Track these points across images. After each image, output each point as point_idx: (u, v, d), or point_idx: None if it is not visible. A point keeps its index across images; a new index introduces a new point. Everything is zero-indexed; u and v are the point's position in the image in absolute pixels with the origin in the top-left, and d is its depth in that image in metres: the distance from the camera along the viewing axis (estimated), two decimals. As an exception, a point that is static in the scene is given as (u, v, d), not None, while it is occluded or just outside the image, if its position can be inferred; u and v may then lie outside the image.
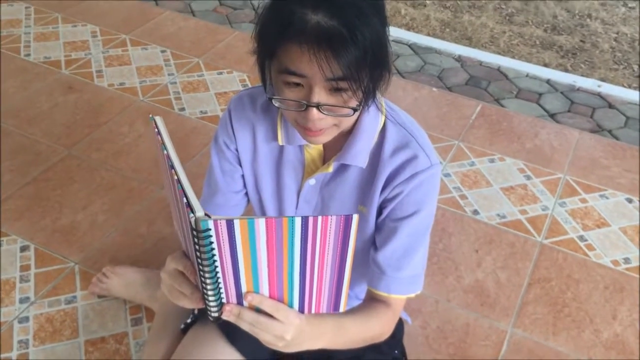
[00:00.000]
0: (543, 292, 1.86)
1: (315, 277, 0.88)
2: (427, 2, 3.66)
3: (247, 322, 0.91)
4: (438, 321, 1.77)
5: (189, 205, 0.78)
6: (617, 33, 3.43)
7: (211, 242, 0.80)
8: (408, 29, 3.37)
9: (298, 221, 0.78)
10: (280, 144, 1.15)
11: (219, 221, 0.77)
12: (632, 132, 2.54)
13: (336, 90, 0.93)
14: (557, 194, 2.17)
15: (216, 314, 0.92)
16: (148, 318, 1.74)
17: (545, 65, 3.10)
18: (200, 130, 2.41)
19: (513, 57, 3.15)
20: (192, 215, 0.77)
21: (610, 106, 2.73)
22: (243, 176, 1.25)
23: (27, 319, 1.73)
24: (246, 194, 1.28)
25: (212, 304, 0.90)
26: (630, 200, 2.15)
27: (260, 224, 0.78)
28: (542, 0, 3.72)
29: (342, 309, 0.97)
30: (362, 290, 1.32)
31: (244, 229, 0.78)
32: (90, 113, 2.46)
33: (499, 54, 3.19)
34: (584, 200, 2.15)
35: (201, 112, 2.51)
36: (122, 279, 1.80)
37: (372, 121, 1.11)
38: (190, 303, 0.95)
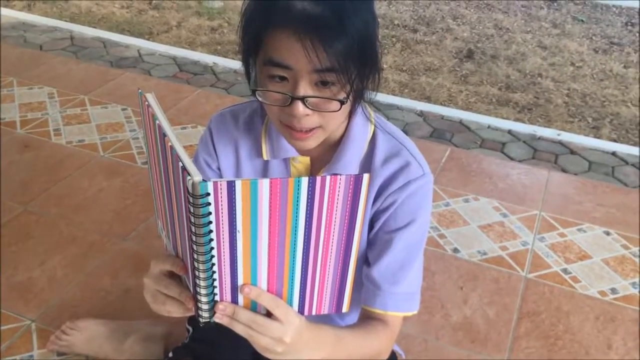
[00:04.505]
0: (534, 325, 1.79)
1: (320, 249, 0.80)
2: (384, 66, 3.74)
3: (243, 323, 0.82)
4: (430, 360, 1.67)
5: (185, 169, 0.70)
6: (569, 89, 3.56)
7: (209, 213, 0.72)
8: (367, 90, 3.41)
9: (305, 181, 0.73)
10: (265, 158, 1.10)
11: (219, 182, 0.70)
12: (597, 176, 2.57)
13: (323, 83, 0.89)
14: (535, 230, 2.13)
15: (208, 314, 0.82)
16: (114, 372, 1.58)
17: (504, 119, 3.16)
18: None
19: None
20: (189, 178, 0.69)
21: (572, 152, 2.77)
22: None
23: (-23, 380, 1.55)
24: None
25: (203, 299, 0.80)
26: (607, 233, 2.13)
27: (264, 184, 0.72)
28: (493, 63, 3.85)
29: (345, 308, 0.90)
30: (352, 320, 1.23)
31: (246, 191, 0.72)
32: (48, 170, 2.34)
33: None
34: (562, 235, 2.12)
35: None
36: (83, 333, 1.66)
37: (361, 130, 1.07)
38: (178, 307, 0.86)
